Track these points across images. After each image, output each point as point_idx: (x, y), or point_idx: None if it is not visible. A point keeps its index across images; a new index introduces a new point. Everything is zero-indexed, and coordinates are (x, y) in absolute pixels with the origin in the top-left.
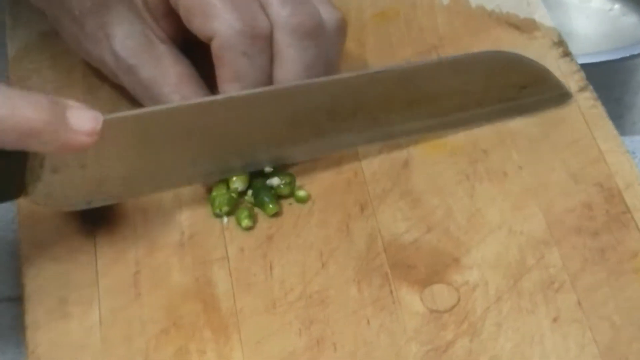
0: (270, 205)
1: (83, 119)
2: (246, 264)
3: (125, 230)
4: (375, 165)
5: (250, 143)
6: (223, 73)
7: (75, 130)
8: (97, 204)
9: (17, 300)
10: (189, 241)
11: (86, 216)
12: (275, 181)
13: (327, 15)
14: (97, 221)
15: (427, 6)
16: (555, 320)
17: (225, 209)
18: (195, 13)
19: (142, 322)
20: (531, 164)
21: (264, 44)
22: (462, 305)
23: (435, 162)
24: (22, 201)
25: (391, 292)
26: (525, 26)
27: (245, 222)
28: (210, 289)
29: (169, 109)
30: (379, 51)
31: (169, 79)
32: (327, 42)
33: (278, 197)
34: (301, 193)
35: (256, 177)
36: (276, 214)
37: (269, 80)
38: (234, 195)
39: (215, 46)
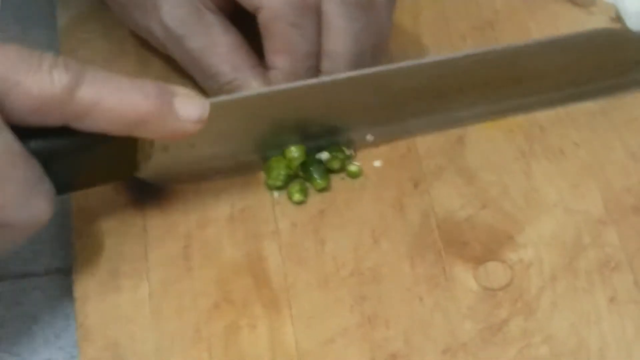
0: (319, 180)
1: (191, 107)
2: (298, 238)
3: (176, 203)
4: (429, 141)
5: (351, 122)
6: (271, 44)
7: (183, 118)
8: (207, 180)
9: (67, 271)
10: (240, 215)
11: (136, 189)
12: (324, 155)
13: None
14: (147, 194)
15: None
16: (612, 300)
17: (279, 183)
18: None
19: (193, 295)
20: (589, 142)
21: (313, 14)
22: (516, 283)
23: (491, 138)
24: None
25: (444, 269)
26: (582, 1)
27: (297, 197)
28: (261, 264)
29: (273, 91)
30: (433, 25)
31: (219, 49)
32: (377, 12)
33: (329, 171)
34: (353, 168)
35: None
36: (324, 189)
37: (318, 52)
38: (290, 170)
39: (263, 17)
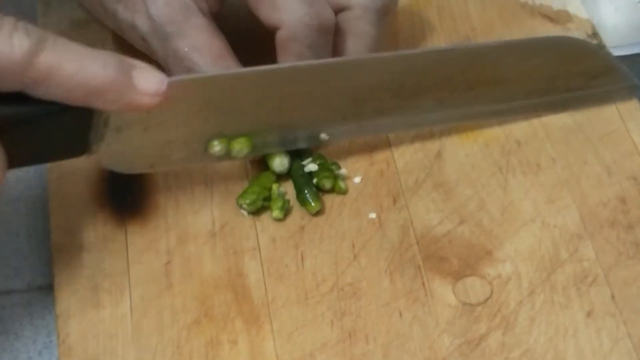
0: (313, 204)
1: (149, 80)
2: (278, 254)
3: (156, 219)
4: (407, 156)
5: (311, 115)
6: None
7: (141, 90)
8: (159, 168)
9: (48, 288)
10: (220, 231)
11: (118, 205)
12: (312, 166)
13: None
14: (128, 210)
15: None
16: (589, 314)
17: (247, 206)
18: (264, 1)
19: (174, 311)
20: (565, 157)
21: (329, 36)
22: (495, 298)
23: (468, 153)
24: (53, 190)
25: (424, 284)
26: (559, 17)
27: (276, 214)
28: (242, 280)
29: (235, 74)
30: (411, 39)
31: (210, 51)
32: (389, 18)
33: (319, 191)
34: (342, 185)
35: (295, 170)
36: (318, 212)
37: None
38: (266, 194)
39: (281, 36)
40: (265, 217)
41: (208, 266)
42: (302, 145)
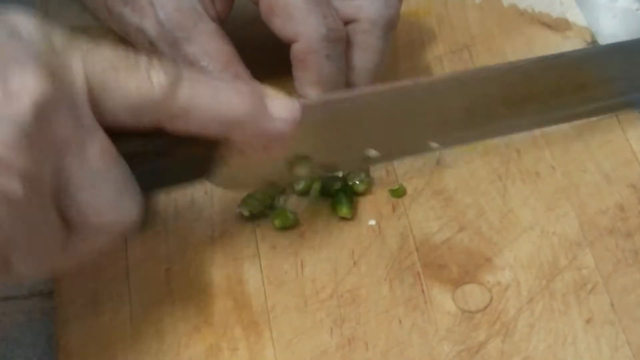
0: (345, 209)
1: (282, 108)
2: (277, 261)
3: (157, 227)
4: (407, 164)
5: (426, 128)
6: (306, 76)
7: (276, 119)
8: (277, 185)
9: (49, 294)
10: (220, 238)
11: None
12: (372, 152)
13: None
14: None
15: (459, 5)
16: (588, 321)
17: (245, 212)
18: (279, 13)
19: (174, 319)
20: (564, 165)
21: (343, 46)
22: (494, 305)
23: (468, 161)
24: None
25: (423, 291)
26: (557, 25)
27: (278, 222)
28: (242, 287)
29: (358, 95)
30: (410, 49)
31: (220, 56)
32: (393, 32)
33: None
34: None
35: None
36: (345, 218)
37: (344, 81)
38: (267, 202)
39: (299, 48)
40: (265, 224)
41: (208, 273)
42: (409, 155)
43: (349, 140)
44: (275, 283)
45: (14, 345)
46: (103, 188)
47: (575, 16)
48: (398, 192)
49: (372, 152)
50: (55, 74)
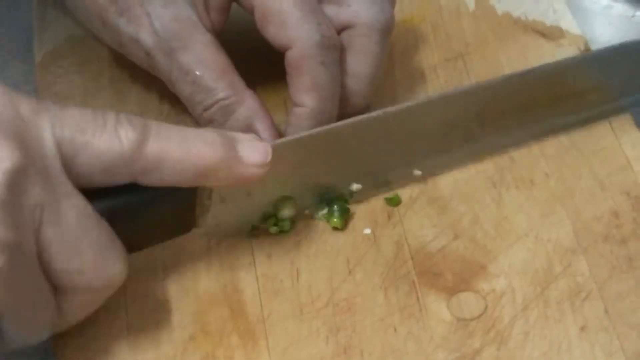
0: (336, 219)
1: (254, 152)
2: (273, 270)
3: None
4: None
5: (407, 153)
6: (301, 83)
7: (248, 163)
8: (263, 227)
9: None
10: (216, 247)
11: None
12: (355, 186)
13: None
14: None
15: (454, 13)
16: (582, 328)
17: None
18: (273, 21)
19: (170, 328)
20: (558, 172)
21: (338, 53)
22: (489, 313)
23: (462, 169)
24: None
25: (418, 299)
26: (551, 33)
27: (275, 229)
28: (238, 295)
29: (329, 129)
30: (406, 57)
31: (216, 66)
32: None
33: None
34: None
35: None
36: (337, 229)
37: (340, 88)
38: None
39: (293, 55)
40: (261, 233)
41: (204, 282)
42: (393, 186)
43: (329, 176)
44: (271, 291)
45: (11, 354)
46: (85, 251)
47: (569, 24)
48: (393, 201)
49: (355, 186)
50: (24, 142)
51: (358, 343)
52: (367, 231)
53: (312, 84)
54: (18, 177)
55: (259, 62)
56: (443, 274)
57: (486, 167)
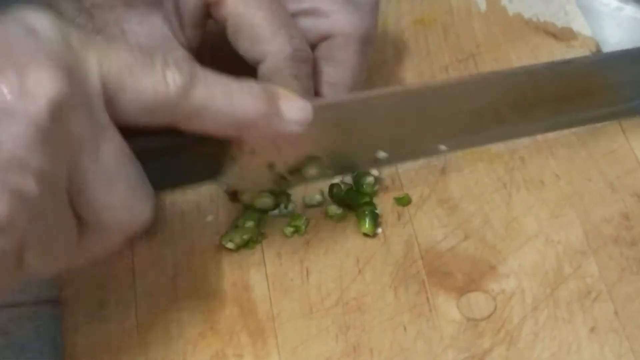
0: (368, 225)
1: (295, 109)
2: (283, 268)
3: (163, 233)
4: (412, 172)
5: (435, 131)
6: None
7: (288, 119)
8: (285, 185)
9: (56, 301)
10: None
11: None
12: (381, 154)
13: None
14: None
15: (465, 13)
16: (592, 330)
17: (230, 244)
18: (245, 35)
19: (180, 325)
20: (568, 173)
21: (310, 66)
22: (498, 313)
23: (473, 169)
24: None
25: (428, 299)
26: (562, 35)
27: (289, 230)
28: (247, 294)
29: (368, 97)
30: (416, 57)
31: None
32: (371, 47)
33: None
34: None
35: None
36: (367, 235)
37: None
38: (252, 235)
39: (265, 69)
40: (270, 231)
41: (214, 280)
42: (418, 157)
43: (358, 142)
44: (280, 290)
45: (21, 351)
46: (117, 187)
47: (580, 25)
48: (403, 201)
49: (382, 154)
50: (71, 73)
51: (367, 342)
52: (378, 230)
53: None
54: (62, 108)
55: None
56: (453, 273)
57: (496, 168)
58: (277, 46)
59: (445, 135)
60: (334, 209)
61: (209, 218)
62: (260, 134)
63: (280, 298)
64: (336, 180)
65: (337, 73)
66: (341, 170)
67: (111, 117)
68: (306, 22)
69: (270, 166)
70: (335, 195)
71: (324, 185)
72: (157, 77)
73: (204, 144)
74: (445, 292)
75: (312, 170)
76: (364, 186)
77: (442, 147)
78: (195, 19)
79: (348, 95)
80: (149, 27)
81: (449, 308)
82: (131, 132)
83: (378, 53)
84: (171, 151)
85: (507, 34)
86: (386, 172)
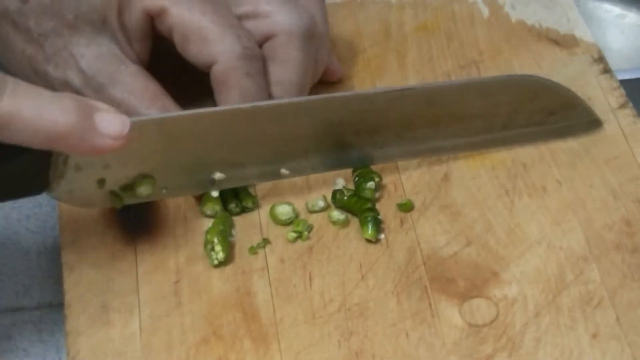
0: (370, 231)
1: (111, 123)
2: (286, 274)
3: (166, 238)
4: (414, 179)
5: (270, 152)
6: (229, 97)
7: (103, 133)
8: (119, 203)
9: (58, 306)
10: (230, 250)
11: (127, 224)
12: (217, 175)
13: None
14: (137, 229)
15: (468, 20)
16: (594, 336)
17: (221, 255)
18: (194, 40)
19: (183, 330)
20: (570, 180)
21: (261, 63)
22: (500, 319)
23: (475, 176)
24: (63, 207)
25: (430, 305)
26: (565, 42)
27: (292, 236)
28: (250, 299)
29: (194, 114)
30: (419, 64)
31: (146, 93)
32: (317, 43)
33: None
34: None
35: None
36: (370, 241)
37: (268, 98)
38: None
39: (218, 71)
40: (273, 237)
41: (217, 285)
42: (259, 180)
43: (192, 161)
44: (283, 296)
45: (24, 356)
46: None
47: (583, 33)
48: (406, 207)
49: (218, 175)
50: None
51: (370, 348)
52: (380, 236)
53: (239, 96)
54: None
55: (187, 84)
56: (455, 280)
57: (499, 174)
58: (227, 46)
59: (286, 158)
60: (337, 215)
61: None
62: (74, 147)
63: (283, 304)
64: (339, 186)
65: (282, 72)
66: (177, 191)
67: None
68: (248, 25)
69: (100, 182)
70: (338, 201)
71: (327, 190)
72: None
73: (24, 156)
74: (447, 298)
75: (144, 189)
76: (365, 192)
77: (285, 172)
78: (141, 33)
79: (175, 112)
80: (96, 47)
81: (451, 314)
82: None
83: (380, 59)
84: None
85: (510, 41)
86: (389, 178)
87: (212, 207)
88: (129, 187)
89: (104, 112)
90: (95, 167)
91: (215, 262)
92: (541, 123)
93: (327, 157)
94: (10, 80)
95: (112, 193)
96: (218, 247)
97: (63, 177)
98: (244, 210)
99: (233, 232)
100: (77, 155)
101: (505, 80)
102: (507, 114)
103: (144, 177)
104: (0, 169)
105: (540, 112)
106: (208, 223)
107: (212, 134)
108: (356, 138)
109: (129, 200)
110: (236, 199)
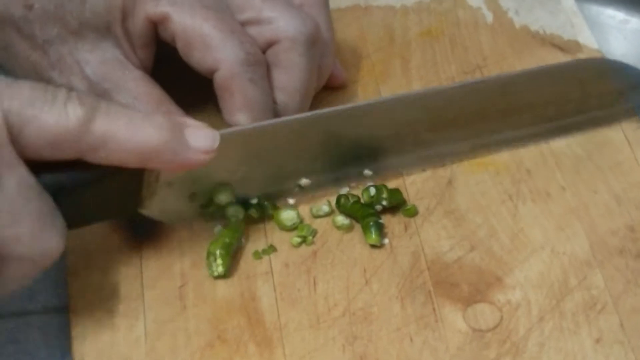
0: (374, 236)
1: (201, 138)
2: (290, 279)
3: (171, 243)
4: (419, 184)
5: (354, 153)
6: (233, 103)
7: (194, 149)
8: (209, 216)
9: (64, 310)
10: (234, 255)
11: (132, 229)
12: (303, 181)
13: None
14: (143, 234)
15: (472, 26)
16: (597, 341)
17: (220, 269)
18: (197, 46)
19: (187, 335)
20: (574, 185)
21: (265, 69)
22: (504, 324)
23: (479, 181)
24: None
25: (434, 310)
26: (569, 47)
27: (297, 240)
28: (255, 304)
29: (278, 123)
30: (423, 69)
31: (151, 98)
32: (320, 48)
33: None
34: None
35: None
36: (374, 246)
37: (272, 103)
38: (229, 247)
39: (221, 77)
40: (278, 242)
41: (221, 290)
42: (346, 183)
43: (277, 169)
44: (288, 300)
45: None
46: (23, 219)
47: (587, 38)
48: (410, 212)
49: (304, 181)
50: None
51: (374, 352)
52: (384, 241)
53: (243, 102)
54: None
55: (192, 90)
56: (459, 284)
57: (503, 179)
58: (230, 52)
59: (369, 159)
60: (341, 220)
61: (217, 228)
62: (167, 163)
63: (288, 308)
64: (343, 191)
65: (286, 77)
66: (254, 196)
67: (18, 152)
68: (252, 31)
69: (192, 196)
70: (342, 206)
71: (332, 195)
72: (58, 109)
73: (118, 177)
74: (451, 303)
75: (222, 197)
76: (365, 197)
77: (367, 172)
78: (144, 39)
79: (261, 122)
80: (101, 53)
81: (455, 319)
82: (44, 167)
83: (384, 64)
84: (84, 184)
85: (514, 46)
86: (393, 183)
87: (234, 211)
88: (210, 197)
89: (194, 127)
90: (185, 182)
91: (215, 274)
92: (611, 104)
93: (407, 155)
94: (102, 102)
95: (202, 206)
96: (219, 261)
97: (155, 194)
98: (261, 215)
99: (242, 240)
100: (170, 171)
101: (574, 64)
102: (579, 99)
103: (221, 184)
104: (95, 190)
105: (610, 94)
106: (213, 229)
107: (297, 141)
108: (431, 135)
109: (216, 212)
110: (257, 205)
